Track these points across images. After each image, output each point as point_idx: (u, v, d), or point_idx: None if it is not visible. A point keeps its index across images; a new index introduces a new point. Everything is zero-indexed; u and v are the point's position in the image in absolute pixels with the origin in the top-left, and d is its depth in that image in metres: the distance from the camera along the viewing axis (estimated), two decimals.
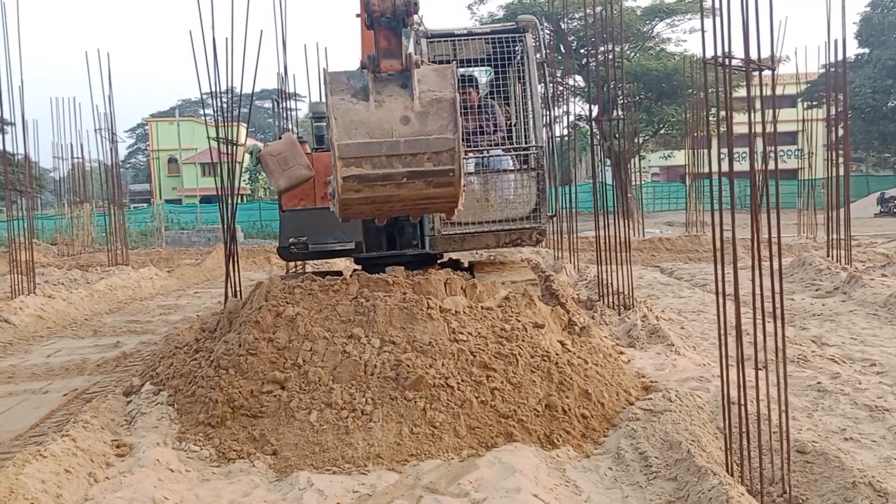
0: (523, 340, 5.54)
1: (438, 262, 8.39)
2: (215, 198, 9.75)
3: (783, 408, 4.48)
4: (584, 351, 5.83)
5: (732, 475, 4.45)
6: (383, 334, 5.44)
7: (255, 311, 5.73)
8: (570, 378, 5.30)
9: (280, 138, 6.97)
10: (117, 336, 9.84)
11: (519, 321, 5.77)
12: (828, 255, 11.97)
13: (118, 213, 19.27)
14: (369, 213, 5.72)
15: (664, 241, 18.46)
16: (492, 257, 9.83)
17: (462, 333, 5.51)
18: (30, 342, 9.72)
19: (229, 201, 8.72)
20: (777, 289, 4.56)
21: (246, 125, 10.99)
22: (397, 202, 5.33)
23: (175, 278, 16.70)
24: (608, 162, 35.24)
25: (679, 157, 33.89)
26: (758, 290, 4.62)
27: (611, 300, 8.91)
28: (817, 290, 10.39)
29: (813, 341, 7.59)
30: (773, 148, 5.35)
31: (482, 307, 5.90)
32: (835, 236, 11.91)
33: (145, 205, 51.09)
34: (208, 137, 9.09)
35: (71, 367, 7.96)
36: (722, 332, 4.66)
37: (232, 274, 8.85)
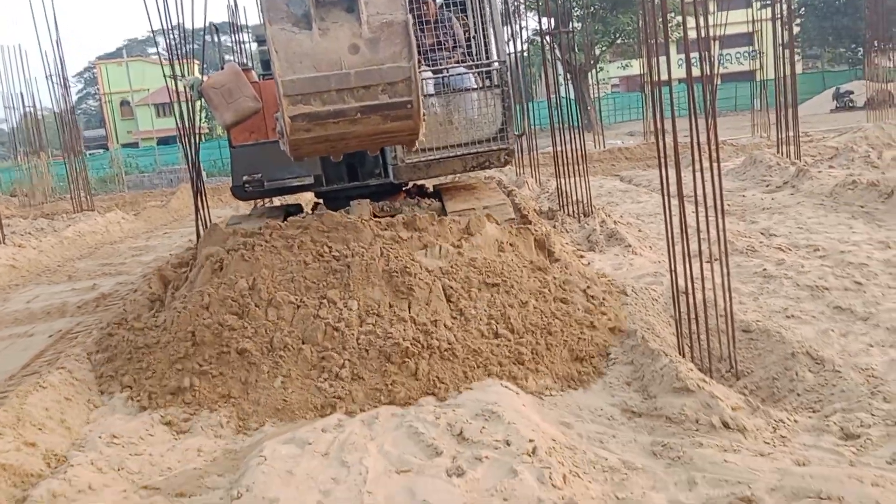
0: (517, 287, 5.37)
1: (404, 189, 8.19)
2: (173, 139, 9.68)
3: (727, 292, 4.87)
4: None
5: (683, 356, 4.86)
6: (360, 298, 5.11)
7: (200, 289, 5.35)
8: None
9: (222, 69, 6.55)
10: (93, 279, 10.02)
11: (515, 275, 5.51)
12: (778, 152, 12.38)
13: (76, 160, 19.11)
14: (323, 151, 5.45)
15: (623, 151, 18.79)
16: (457, 179, 9.71)
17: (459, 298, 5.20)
18: (6, 291, 9.88)
19: (191, 140, 8.80)
20: (718, 187, 4.89)
21: (199, 61, 10.96)
22: (352, 139, 5.04)
23: (142, 221, 16.76)
24: (567, 76, 35.08)
25: (637, 67, 33.98)
26: (704, 189, 4.96)
27: (572, 209, 9.24)
28: (767, 185, 10.81)
29: (762, 233, 8.01)
30: (714, 52, 5.60)
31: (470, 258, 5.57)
32: (786, 134, 12.29)
33: (101, 151, 50.22)
34: (164, 76, 9.10)
35: (52, 311, 8.17)
36: (670, 229, 5.01)
37: (201, 211, 9.02)
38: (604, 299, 5.56)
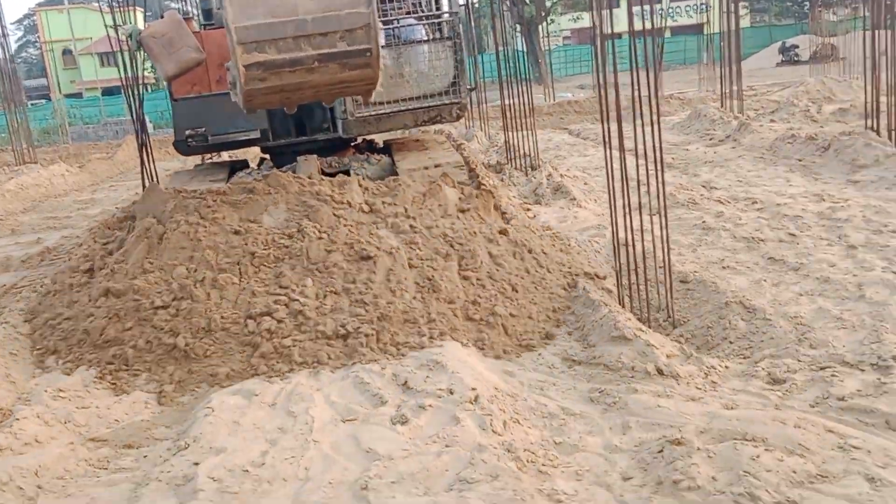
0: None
1: (353, 144, 8.00)
2: (119, 89, 9.34)
3: (665, 244, 5.02)
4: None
5: (623, 306, 5.02)
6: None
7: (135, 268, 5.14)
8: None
9: (162, 17, 6.27)
10: (37, 233, 9.84)
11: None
12: (722, 106, 12.59)
13: (17, 111, 18.53)
14: (278, 102, 5.26)
15: (573, 104, 18.86)
16: (407, 134, 9.55)
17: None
18: None
19: (135, 91, 8.61)
20: (658, 141, 5.01)
21: (143, 10, 10.66)
22: (308, 88, 4.84)
23: (87, 173, 16.40)
24: (518, 28, 34.78)
25: (588, 20, 33.83)
26: (646, 143, 5.06)
27: (519, 163, 9.33)
28: (711, 139, 11.02)
29: (703, 186, 8.21)
30: (665, 4, 5.66)
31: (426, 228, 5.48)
32: (730, 88, 12.48)
33: (44, 101, 48.65)
34: (105, 25, 8.85)
35: None
36: (611, 182, 5.12)
37: (147, 165, 8.87)
38: (557, 255, 5.67)
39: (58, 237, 9.29)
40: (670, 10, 43.32)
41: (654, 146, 5.02)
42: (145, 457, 3.70)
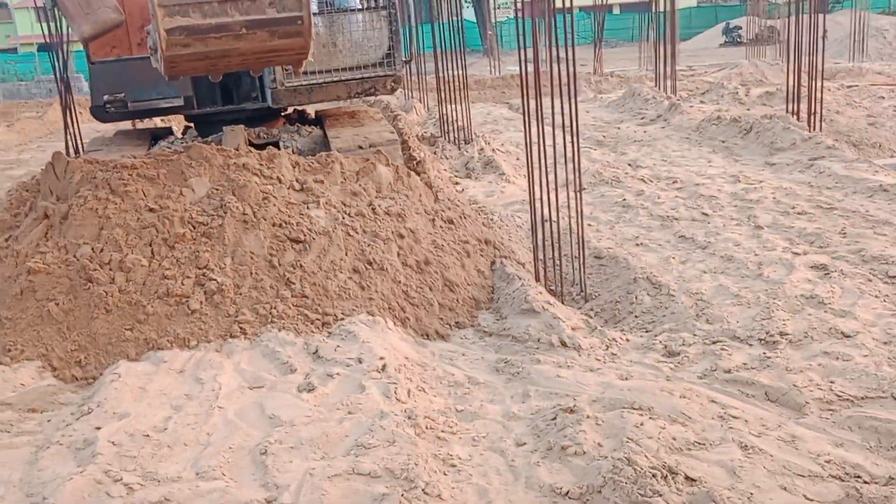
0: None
1: (283, 114, 7.70)
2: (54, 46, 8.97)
3: (580, 220, 5.16)
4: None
5: (539, 280, 5.16)
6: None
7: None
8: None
9: None
10: None
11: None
12: (657, 86, 12.81)
13: None
14: (202, 69, 4.99)
15: (516, 78, 18.89)
16: (339, 104, 9.35)
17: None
18: None
19: (60, 50, 8.41)
20: (575, 117, 5.13)
21: None
22: (235, 56, 4.61)
23: (15, 132, 15.91)
24: None
25: None
26: (562, 118, 5.18)
27: (454, 136, 9.38)
28: (642, 118, 11.23)
29: (629, 164, 8.39)
30: None
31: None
32: (665, 68, 12.70)
33: None
34: None
35: None
36: (530, 158, 5.23)
37: (71, 127, 8.69)
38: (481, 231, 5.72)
39: None
40: None
41: (571, 122, 5.15)
42: (49, 421, 3.71)
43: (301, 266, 4.73)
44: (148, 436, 3.33)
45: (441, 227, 5.54)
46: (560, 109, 5.18)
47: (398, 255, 5.01)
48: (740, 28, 37.80)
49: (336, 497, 2.89)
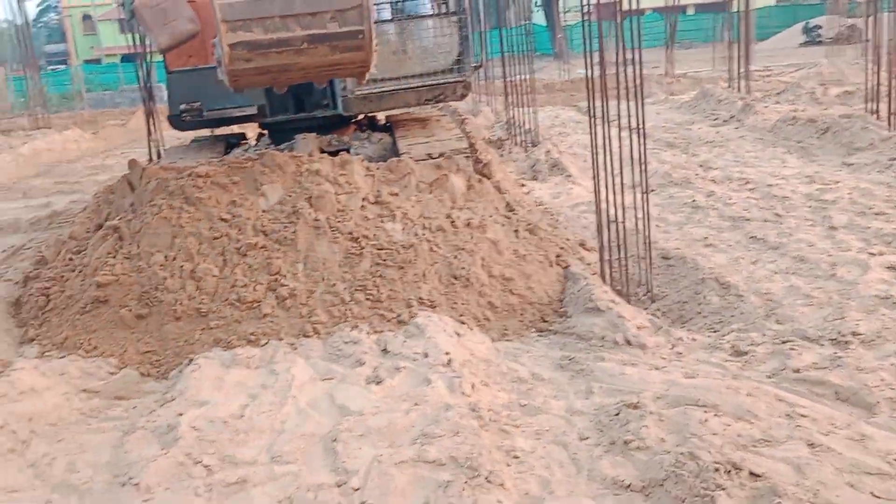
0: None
1: (353, 121, 7.80)
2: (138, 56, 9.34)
3: (647, 221, 5.15)
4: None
5: (605, 280, 5.17)
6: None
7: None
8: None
9: None
10: (47, 197, 10.09)
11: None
12: (730, 87, 12.60)
13: (34, 76, 18.79)
14: (265, 82, 5.08)
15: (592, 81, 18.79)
16: (411, 113, 9.28)
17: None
18: None
19: (144, 59, 8.79)
20: (642, 119, 5.13)
21: None
22: (297, 70, 4.67)
23: (101, 140, 16.65)
24: (538, 2, 34.47)
25: None
26: (629, 120, 5.19)
27: (522, 139, 9.44)
28: (715, 119, 11.08)
29: (700, 166, 8.30)
30: None
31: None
32: (741, 68, 12.49)
33: (63, 66, 48.93)
34: None
35: (5, 227, 8.28)
36: (595, 158, 5.25)
37: (153, 134, 9.08)
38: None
39: (66, 201, 9.52)
40: None
41: (637, 123, 5.15)
42: (134, 408, 3.92)
43: (381, 276, 4.75)
44: (226, 422, 3.49)
45: (518, 233, 5.46)
46: (628, 111, 5.18)
47: (482, 266, 4.94)
48: (820, 27, 36.76)
49: (402, 483, 2.98)
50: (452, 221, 5.27)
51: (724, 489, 2.78)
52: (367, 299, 4.63)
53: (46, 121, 18.10)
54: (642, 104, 5.11)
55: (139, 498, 3.00)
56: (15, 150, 13.63)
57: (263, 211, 5.11)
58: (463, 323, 4.54)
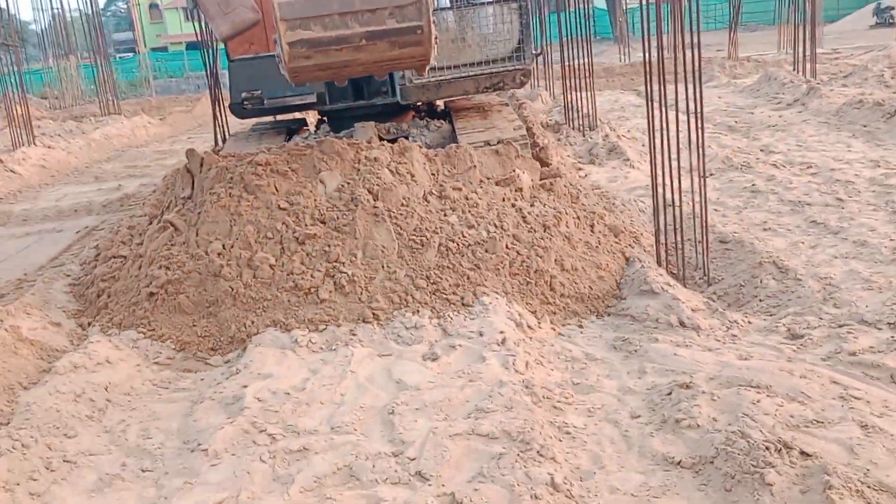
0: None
1: (412, 108, 7.80)
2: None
3: (704, 205, 5.14)
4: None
5: (660, 264, 5.18)
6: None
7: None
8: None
9: None
10: (118, 180, 10.47)
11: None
12: (795, 69, 12.33)
13: (104, 63, 19.39)
14: (325, 77, 5.14)
15: (650, 64, 18.55)
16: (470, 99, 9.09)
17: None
18: (36, 190, 10.38)
19: (210, 46, 9.03)
20: (699, 102, 5.10)
21: None
22: (357, 66, 4.68)
23: (168, 125, 17.12)
24: None
25: None
26: (688, 104, 5.17)
27: (579, 123, 9.42)
28: (778, 102, 10.86)
29: (761, 150, 8.18)
30: None
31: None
32: (805, 51, 12.20)
33: (131, 54, 50.20)
34: None
35: (79, 209, 8.64)
36: (652, 142, 5.24)
37: (219, 119, 9.34)
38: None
39: (136, 185, 9.88)
40: None
41: (696, 107, 5.13)
42: (202, 380, 4.11)
43: (446, 267, 4.76)
44: (288, 394, 3.65)
45: (593, 227, 5.42)
46: (686, 95, 5.16)
47: (555, 261, 4.92)
48: (893, 8, 35.48)
49: (457, 454, 3.09)
50: (524, 217, 5.20)
51: (773, 466, 2.81)
52: (430, 287, 4.65)
53: (116, 107, 18.67)
54: (700, 87, 5.09)
55: (207, 462, 3.17)
56: (87, 135, 14.13)
57: (322, 199, 5.12)
58: (532, 311, 4.57)
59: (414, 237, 4.90)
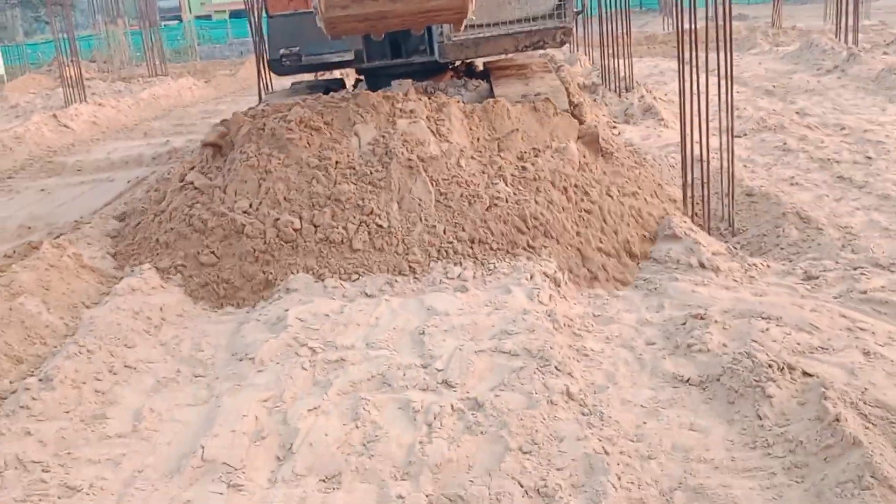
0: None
1: (451, 68, 7.68)
2: (244, 13, 9.73)
3: (731, 158, 5.30)
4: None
5: (689, 215, 5.35)
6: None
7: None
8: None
9: None
10: (166, 137, 10.85)
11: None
12: (837, 38, 12.24)
13: (151, 29, 19.84)
14: (362, 29, 5.08)
15: (688, 33, 18.44)
16: (511, 58, 8.38)
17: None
18: (88, 144, 10.81)
19: (255, 5, 9.31)
20: (730, 62, 5.24)
21: None
22: (393, 17, 4.63)
23: (212, 88, 17.51)
24: None
25: None
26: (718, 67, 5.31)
27: (616, 85, 9.54)
28: (818, 69, 10.84)
29: (796, 112, 8.24)
30: None
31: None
32: (848, 20, 12.10)
33: (176, 22, 50.80)
34: None
35: (130, 161, 9.03)
36: (681, 99, 5.40)
37: (263, 77, 9.65)
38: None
39: (183, 140, 10.24)
40: None
41: (725, 68, 5.27)
42: (246, 312, 4.39)
43: (487, 228, 4.69)
44: (328, 315, 3.93)
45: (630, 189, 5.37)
46: (717, 60, 5.28)
47: (599, 229, 4.88)
48: None
49: (480, 367, 3.35)
50: (566, 188, 5.07)
51: (774, 381, 3.02)
52: (473, 240, 4.63)
53: (164, 69, 19.11)
54: (730, 50, 5.23)
55: (254, 369, 3.48)
56: (135, 95, 14.55)
57: (356, 153, 5.09)
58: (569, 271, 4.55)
59: (450, 192, 4.84)
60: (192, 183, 5.27)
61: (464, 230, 4.66)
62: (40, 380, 3.39)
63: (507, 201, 4.81)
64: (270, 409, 3.13)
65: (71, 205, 7.29)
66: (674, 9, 5.47)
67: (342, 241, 4.60)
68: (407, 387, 3.24)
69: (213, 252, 4.70)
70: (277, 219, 4.70)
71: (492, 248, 4.60)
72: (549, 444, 2.84)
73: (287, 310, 4.04)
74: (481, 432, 2.92)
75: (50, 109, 12.67)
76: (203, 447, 2.87)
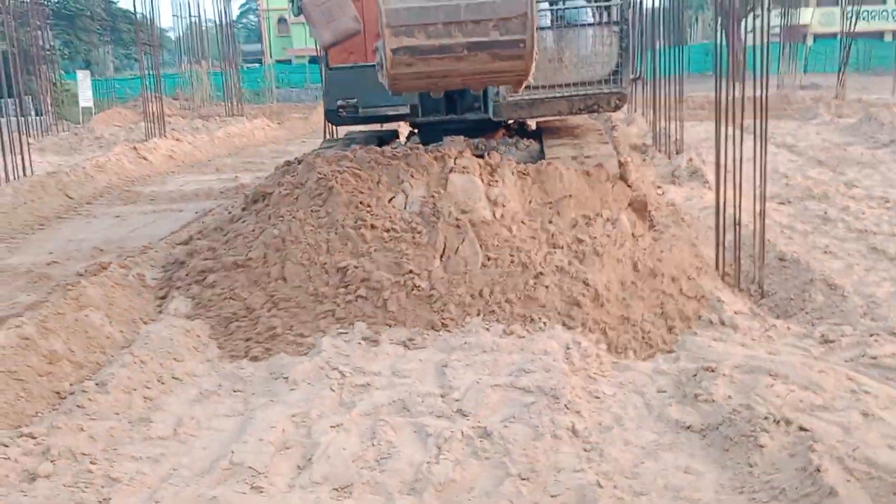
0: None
1: (503, 126, 7.73)
2: None
3: (763, 222, 5.48)
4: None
5: (720, 275, 5.52)
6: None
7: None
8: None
9: None
10: (236, 172, 11.47)
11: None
12: None
13: (233, 71, 20.90)
14: (424, 87, 5.17)
15: (750, 101, 18.54)
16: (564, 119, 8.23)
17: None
18: (164, 176, 11.49)
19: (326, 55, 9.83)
20: (764, 126, 5.46)
21: None
22: (456, 76, 4.71)
23: (285, 129, 18.31)
24: (720, 21, 33.93)
25: (798, 17, 32.43)
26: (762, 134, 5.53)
27: (667, 147, 9.78)
28: (875, 142, 10.88)
29: (844, 184, 8.33)
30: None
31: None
32: None
33: (257, 65, 52.84)
34: None
35: (200, 194, 9.60)
36: (723, 163, 5.62)
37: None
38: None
39: (252, 177, 10.80)
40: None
41: (762, 135, 5.50)
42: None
43: (528, 296, 4.66)
44: (360, 343, 4.24)
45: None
46: (761, 128, 5.50)
47: (646, 303, 4.80)
48: None
49: (494, 400, 3.60)
50: (619, 260, 5.03)
51: (767, 432, 3.19)
52: (512, 306, 4.62)
53: (240, 110, 20.07)
54: (766, 119, 5.46)
55: (287, 388, 3.80)
56: (211, 132, 15.35)
57: (402, 209, 5.16)
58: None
59: (500, 257, 4.84)
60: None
61: (510, 296, 4.62)
62: (97, 384, 3.77)
63: (560, 271, 4.79)
64: (297, 424, 3.44)
65: (142, 231, 7.81)
66: (715, 80, 5.70)
67: (378, 299, 4.62)
68: (424, 413, 3.51)
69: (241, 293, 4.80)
70: (325, 262, 4.82)
71: (534, 319, 4.54)
72: (547, 472, 3.06)
73: (322, 337, 4.36)
74: (486, 458, 3.16)
75: (131, 142, 13.49)
76: (233, 451, 3.18)
